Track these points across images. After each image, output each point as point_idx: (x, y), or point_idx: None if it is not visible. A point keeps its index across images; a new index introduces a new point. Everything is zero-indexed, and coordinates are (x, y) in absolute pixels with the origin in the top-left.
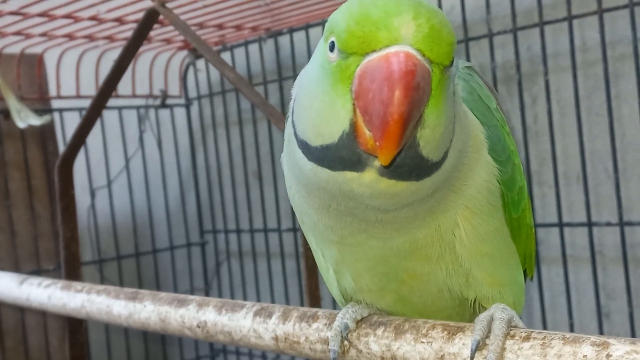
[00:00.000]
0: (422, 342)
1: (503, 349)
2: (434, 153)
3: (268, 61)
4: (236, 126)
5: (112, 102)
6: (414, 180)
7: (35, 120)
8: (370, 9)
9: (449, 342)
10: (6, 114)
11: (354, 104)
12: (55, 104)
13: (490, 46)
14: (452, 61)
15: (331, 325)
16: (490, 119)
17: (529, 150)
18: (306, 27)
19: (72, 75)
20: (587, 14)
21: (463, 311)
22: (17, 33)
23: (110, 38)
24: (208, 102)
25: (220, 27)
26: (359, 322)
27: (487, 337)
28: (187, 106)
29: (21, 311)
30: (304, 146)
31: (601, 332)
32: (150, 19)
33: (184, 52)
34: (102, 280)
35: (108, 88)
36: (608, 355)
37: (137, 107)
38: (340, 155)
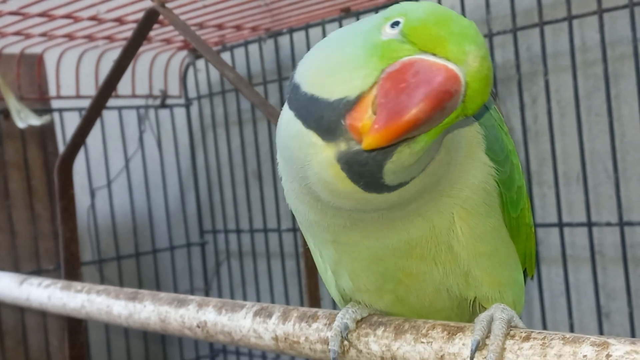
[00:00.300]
0: (422, 342)
1: (503, 349)
2: (392, 177)
3: (268, 61)
4: (236, 126)
5: (112, 102)
6: (360, 187)
7: (35, 120)
8: (453, 22)
9: (449, 342)
10: (6, 114)
11: (375, 82)
12: (55, 104)
13: (490, 46)
14: (465, 117)
15: (331, 325)
16: (487, 119)
17: (528, 150)
18: (306, 27)
19: (72, 75)
20: (587, 14)
21: (462, 312)
22: (17, 33)
23: (110, 38)
24: (208, 102)
25: (220, 27)
26: (358, 322)
27: (487, 337)
28: (187, 106)
29: (21, 311)
30: (295, 90)
31: (601, 332)
32: (150, 19)
33: (184, 52)
34: (102, 280)
35: (108, 88)
36: (608, 356)
37: (137, 107)
38: (322, 114)
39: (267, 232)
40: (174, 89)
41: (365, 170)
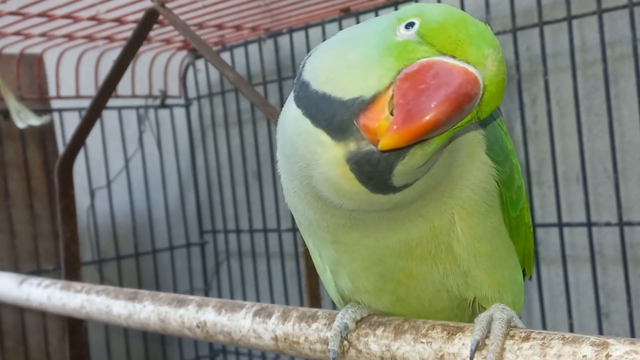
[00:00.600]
0: (422, 342)
1: (503, 349)
2: (400, 178)
3: (267, 61)
4: (236, 126)
5: (111, 102)
6: (367, 187)
7: (35, 121)
8: (471, 25)
9: (449, 342)
10: (6, 114)
11: (392, 83)
12: (55, 104)
13: None
14: (477, 120)
15: (331, 325)
16: (487, 119)
17: (528, 150)
18: (306, 28)
19: (72, 75)
20: (587, 14)
21: (462, 312)
22: (17, 33)
23: (109, 38)
24: (208, 102)
25: (219, 27)
26: (358, 322)
27: (487, 337)
28: (187, 106)
29: (21, 311)
30: (304, 88)
31: (601, 332)
32: (150, 19)
33: (184, 52)
34: (102, 280)
35: (108, 88)
36: (607, 356)
37: (137, 107)
38: (334, 112)
39: (267, 232)
40: (173, 89)
41: (375, 171)
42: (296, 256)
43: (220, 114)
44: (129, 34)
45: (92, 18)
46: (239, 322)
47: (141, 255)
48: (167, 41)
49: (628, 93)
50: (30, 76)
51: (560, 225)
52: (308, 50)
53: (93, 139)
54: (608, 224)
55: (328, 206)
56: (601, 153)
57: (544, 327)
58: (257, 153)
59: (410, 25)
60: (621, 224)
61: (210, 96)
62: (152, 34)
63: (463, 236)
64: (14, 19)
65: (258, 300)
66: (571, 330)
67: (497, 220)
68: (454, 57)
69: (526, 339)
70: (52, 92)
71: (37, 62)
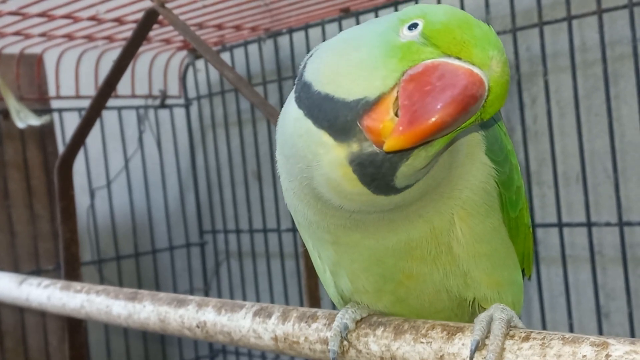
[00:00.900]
0: (422, 342)
1: (502, 349)
2: (402, 179)
3: (267, 61)
4: (235, 126)
5: (111, 102)
6: (369, 189)
7: (35, 121)
8: (475, 26)
9: (449, 342)
10: (5, 114)
11: (396, 84)
12: (55, 104)
13: None
14: (480, 121)
15: (330, 325)
16: (489, 121)
17: (528, 150)
18: (305, 28)
19: (72, 75)
20: (587, 14)
21: (462, 312)
22: (17, 33)
23: (109, 38)
24: (207, 102)
25: (219, 27)
26: (358, 323)
27: (487, 337)
28: (187, 106)
29: (20, 311)
30: (306, 89)
31: (600, 332)
32: (150, 19)
33: (184, 52)
34: (102, 280)
35: (107, 88)
36: (607, 356)
37: (137, 108)
38: (337, 113)
39: (267, 232)
40: (173, 89)
41: (379, 172)
42: (296, 256)
43: (220, 114)
44: (128, 34)
45: (92, 18)
46: (239, 322)
47: (141, 255)
48: (167, 41)
49: (628, 93)
50: (30, 76)
51: (560, 225)
52: (308, 50)
53: (93, 139)
54: (608, 224)
55: (328, 207)
56: (601, 153)
57: (544, 327)
58: (257, 153)
59: (413, 26)
60: (621, 224)
61: (210, 96)
62: (151, 34)
63: (463, 237)
64: (13, 19)
65: (258, 300)
66: (571, 330)
67: (496, 220)
68: (459, 59)
69: (526, 339)
70: (52, 92)
71: (37, 62)
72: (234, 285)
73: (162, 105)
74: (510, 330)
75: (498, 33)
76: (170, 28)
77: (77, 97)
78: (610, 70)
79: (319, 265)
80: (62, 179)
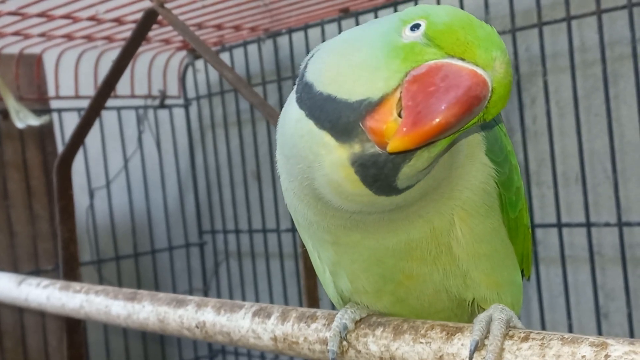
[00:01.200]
0: (421, 342)
1: (502, 349)
2: (404, 180)
3: (267, 61)
4: (235, 126)
5: (110, 102)
6: (372, 191)
7: (34, 121)
8: (478, 27)
9: (448, 343)
10: (5, 114)
11: (399, 85)
12: (54, 104)
13: None
14: (484, 121)
15: (330, 325)
16: (490, 122)
17: (527, 150)
18: (305, 28)
19: (71, 75)
20: (586, 15)
21: (461, 312)
22: (16, 33)
23: (109, 38)
24: (207, 102)
25: (219, 27)
26: (357, 323)
27: (486, 337)
28: (186, 106)
29: (20, 311)
30: (307, 89)
31: (600, 333)
32: (149, 19)
33: (183, 53)
34: (101, 280)
35: (107, 88)
36: (607, 356)
37: (136, 108)
38: (339, 114)
39: (266, 233)
40: (173, 89)
41: (381, 173)
42: (295, 256)
43: (219, 114)
44: (128, 34)
45: (91, 18)
46: (238, 322)
47: (140, 255)
48: (166, 41)
49: (627, 93)
50: (29, 76)
51: (559, 225)
52: (307, 50)
53: (92, 139)
54: (607, 225)
55: (328, 207)
56: (600, 153)
57: (543, 328)
58: (256, 153)
59: (416, 27)
60: (620, 224)
61: (210, 96)
62: (151, 34)
63: (462, 237)
64: (13, 19)
65: (257, 300)
66: (570, 330)
67: (496, 221)
68: (463, 60)
69: (525, 339)
70: (51, 92)
71: (36, 62)
72: (233, 286)
73: (162, 106)
74: (510, 330)
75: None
76: (170, 28)
77: (77, 97)
78: (610, 70)
79: (319, 265)
80: (61, 179)
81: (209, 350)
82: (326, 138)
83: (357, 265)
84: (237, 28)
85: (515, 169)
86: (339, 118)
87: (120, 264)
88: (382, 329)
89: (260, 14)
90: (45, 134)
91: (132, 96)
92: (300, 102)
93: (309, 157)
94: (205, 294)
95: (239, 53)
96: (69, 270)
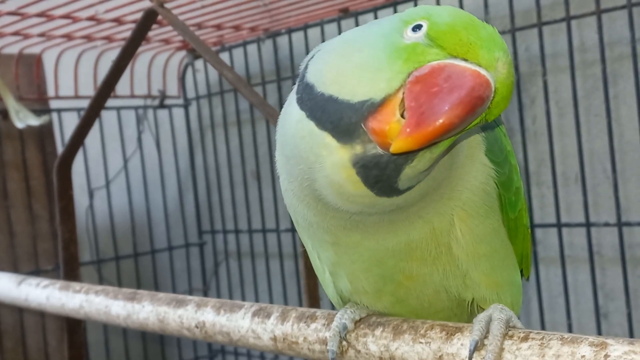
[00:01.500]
0: (421, 342)
1: (501, 349)
2: (406, 181)
3: (266, 61)
4: (235, 126)
5: (110, 102)
6: (374, 192)
7: (34, 121)
8: (480, 27)
9: (448, 343)
10: (5, 114)
11: (401, 85)
12: (54, 104)
13: None
14: (486, 122)
15: (329, 325)
16: (490, 123)
17: (527, 150)
18: (304, 28)
19: (71, 75)
20: (586, 15)
21: (461, 312)
22: (16, 33)
23: (108, 38)
24: (206, 102)
25: (218, 27)
26: (357, 323)
27: (486, 337)
28: (186, 106)
29: (20, 311)
30: (308, 90)
31: (599, 333)
32: (149, 19)
33: (183, 53)
34: (101, 280)
35: (106, 88)
36: (606, 356)
37: (136, 108)
38: (341, 115)
39: (266, 233)
40: (172, 89)
41: (383, 174)
42: (295, 256)
43: (219, 114)
44: (127, 34)
45: (91, 18)
46: (238, 322)
47: (140, 255)
48: (166, 41)
49: (627, 93)
50: (29, 76)
51: (559, 225)
52: (307, 50)
53: (92, 139)
54: (607, 225)
55: (328, 208)
56: (600, 153)
57: (543, 328)
58: (256, 153)
59: (417, 27)
60: (620, 224)
61: (209, 96)
62: (151, 34)
63: (462, 237)
64: (12, 19)
65: (257, 300)
66: (570, 330)
67: (496, 221)
68: (466, 60)
69: (525, 339)
70: (50, 92)
71: (35, 62)
72: (232, 286)
73: (161, 106)
74: (509, 330)
75: None
76: (170, 28)
77: (76, 97)
78: (609, 70)
79: (318, 266)
80: (61, 179)
81: (208, 350)
82: (327, 139)
83: (357, 266)
84: (236, 28)
85: (514, 170)
86: (340, 119)
87: (120, 264)
88: (381, 329)
89: (259, 14)
90: (45, 134)
91: (132, 96)
92: (301, 102)
93: (310, 158)
94: (205, 294)
95: (238, 53)
96: (69, 270)
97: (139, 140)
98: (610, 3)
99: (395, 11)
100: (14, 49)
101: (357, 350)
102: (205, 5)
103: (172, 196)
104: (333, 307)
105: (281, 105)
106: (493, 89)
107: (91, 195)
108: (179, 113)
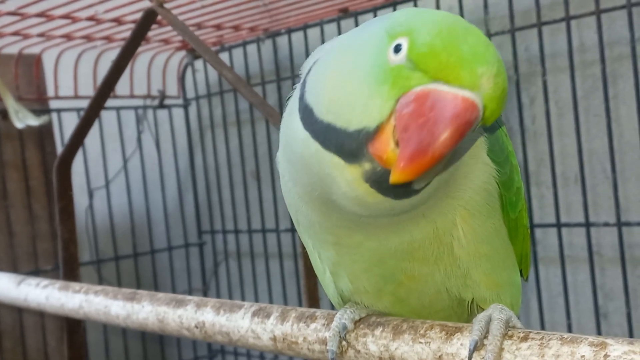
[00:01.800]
0: (420, 342)
1: (501, 349)
2: (420, 183)
3: (266, 61)
4: (234, 126)
5: (110, 102)
6: (391, 197)
7: (33, 121)
8: (461, 42)
9: (447, 343)
10: (4, 114)
11: (391, 112)
12: (53, 104)
13: None
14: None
15: (329, 325)
16: (492, 125)
17: (527, 150)
18: (304, 28)
19: (70, 75)
20: (585, 15)
21: (462, 311)
22: (15, 33)
23: (108, 38)
24: (206, 102)
25: (218, 27)
26: (357, 323)
27: (485, 337)
28: (185, 106)
29: (19, 312)
30: (308, 113)
31: (599, 333)
32: (149, 19)
33: (182, 53)
34: (100, 280)
35: (106, 88)
36: (606, 356)
37: (135, 108)
38: (342, 142)
39: (266, 233)
40: (172, 89)
41: (392, 185)
42: (295, 256)
43: (218, 114)
44: (127, 34)
45: (90, 18)
46: (238, 322)
47: (140, 255)
48: (166, 41)
49: (626, 93)
50: (28, 76)
51: (558, 225)
52: (307, 50)
53: (91, 139)
54: (606, 225)
55: (334, 210)
56: (600, 153)
57: (543, 328)
58: (255, 153)
59: (399, 48)
60: (619, 224)
61: (209, 96)
62: (150, 34)
63: (464, 237)
64: (12, 19)
65: (256, 300)
66: (569, 330)
67: (497, 221)
68: (448, 84)
69: (524, 339)
70: (50, 92)
71: (35, 62)
72: (232, 286)
73: (161, 106)
74: (509, 330)
75: (496, 33)
76: (169, 28)
77: (76, 97)
78: (609, 70)
79: (319, 265)
80: (60, 179)
81: (208, 350)
82: (335, 159)
83: (359, 266)
84: (236, 28)
85: (515, 170)
86: (342, 145)
87: (120, 264)
88: (381, 329)
89: (259, 14)
90: (44, 134)
91: (132, 96)
92: (304, 122)
93: (320, 174)
94: (205, 294)
95: (238, 53)
96: (68, 270)
97: (139, 140)
98: (609, 3)
99: (395, 10)
100: (13, 49)
101: (356, 350)
102: (205, 5)
103: (171, 196)
104: (333, 307)
105: (281, 105)
106: (480, 108)
107: (91, 195)
108: (178, 113)
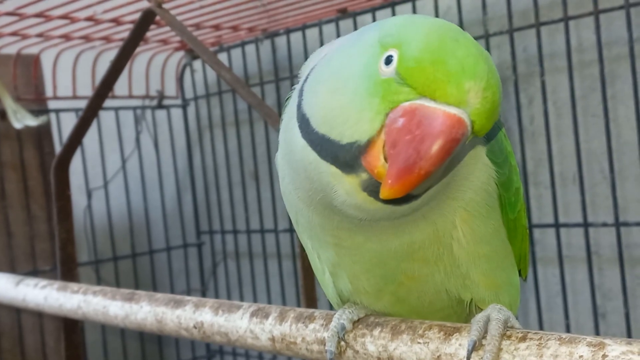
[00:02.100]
0: (419, 342)
1: (499, 349)
2: (418, 191)
3: (265, 62)
4: (233, 127)
5: (108, 102)
6: (390, 204)
7: (32, 121)
8: (449, 56)
9: (446, 343)
10: (2, 114)
11: (382, 126)
12: (52, 104)
13: (487, 47)
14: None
15: (328, 326)
16: (492, 128)
17: (525, 150)
18: (303, 28)
19: (69, 75)
20: (583, 15)
21: (461, 311)
22: (14, 34)
23: (106, 39)
24: (205, 102)
25: (217, 27)
26: (355, 323)
27: (484, 337)
28: (184, 107)
29: (17, 312)
30: (305, 122)
31: (597, 333)
32: (147, 19)
33: (181, 53)
34: (99, 281)
35: (104, 89)
36: (604, 356)
37: (134, 108)
38: (337, 154)
39: (264, 233)
40: (170, 89)
41: None
42: (293, 257)
43: (217, 114)
44: (126, 34)
45: (89, 18)
46: (236, 322)
47: (138, 255)
48: (164, 42)
49: (625, 94)
50: (27, 77)
51: (556, 225)
52: (305, 50)
53: (90, 139)
54: (605, 225)
55: (335, 213)
56: (598, 154)
57: (541, 328)
58: (254, 154)
59: (389, 59)
60: (618, 224)
61: (208, 97)
62: (149, 34)
63: (464, 237)
64: (10, 19)
65: (255, 300)
66: (568, 330)
67: (496, 222)
68: (435, 101)
69: (523, 339)
70: (48, 92)
71: (33, 62)
72: (231, 286)
73: (160, 106)
74: (507, 330)
75: (495, 34)
76: (168, 28)
77: (74, 97)
78: (607, 71)
79: (318, 266)
80: (58, 179)
81: (206, 350)
82: (333, 169)
83: (359, 267)
84: (234, 28)
85: (514, 170)
86: (337, 157)
87: (118, 264)
88: (379, 329)
89: (258, 14)
90: (42, 134)
91: (130, 96)
92: (302, 131)
93: (320, 182)
94: (203, 295)
95: (236, 53)
96: (66, 270)
97: (137, 140)
98: (608, 3)
99: (393, 12)
100: (11, 49)
101: (355, 351)
102: (204, 5)
103: (170, 196)
104: (331, 308)
105: (279, 106)
106: (468, 124)
107: (89, 195)
108: (177, 113)
